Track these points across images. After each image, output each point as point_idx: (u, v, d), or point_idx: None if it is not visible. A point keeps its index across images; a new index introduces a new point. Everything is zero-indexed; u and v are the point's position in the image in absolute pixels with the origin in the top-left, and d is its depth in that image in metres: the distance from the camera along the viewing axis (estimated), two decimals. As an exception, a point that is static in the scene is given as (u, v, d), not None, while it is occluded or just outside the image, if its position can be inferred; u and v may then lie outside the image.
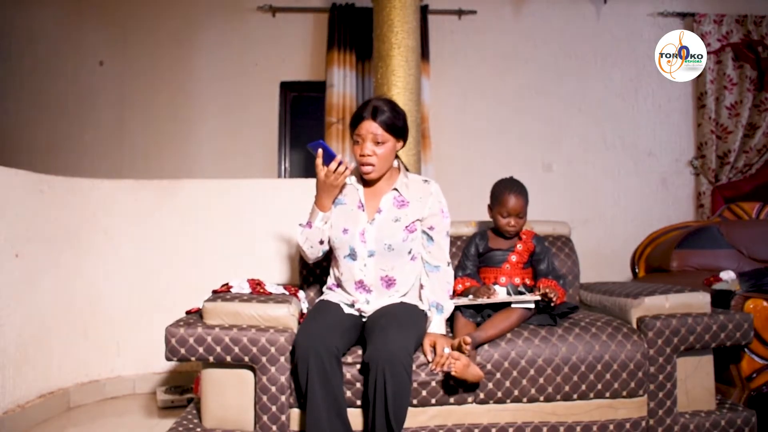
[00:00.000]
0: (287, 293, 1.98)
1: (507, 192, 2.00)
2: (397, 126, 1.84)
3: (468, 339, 1.66)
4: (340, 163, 1.79)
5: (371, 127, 1.80)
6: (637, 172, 4.27)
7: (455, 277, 2.00)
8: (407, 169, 2.01)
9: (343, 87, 3.97)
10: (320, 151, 1.78)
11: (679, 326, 1.82)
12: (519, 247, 2.03)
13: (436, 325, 1.80)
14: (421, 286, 1.91)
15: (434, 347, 1.72)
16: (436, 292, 1.86)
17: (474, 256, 2.09)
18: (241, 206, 2.75)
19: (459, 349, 1.68)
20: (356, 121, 1.84)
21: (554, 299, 1.86)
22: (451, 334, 1.84)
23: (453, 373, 1.63)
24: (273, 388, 1.69)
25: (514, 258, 2.03)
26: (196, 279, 2.62)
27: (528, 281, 2.02)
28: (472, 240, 2.13)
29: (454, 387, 1.73)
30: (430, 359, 1.71)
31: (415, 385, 1.69)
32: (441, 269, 1.88)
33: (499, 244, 2.07)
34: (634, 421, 1.81)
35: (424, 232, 1.89)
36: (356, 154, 1.85)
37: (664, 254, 3.05)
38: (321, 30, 4.16)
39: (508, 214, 2.00)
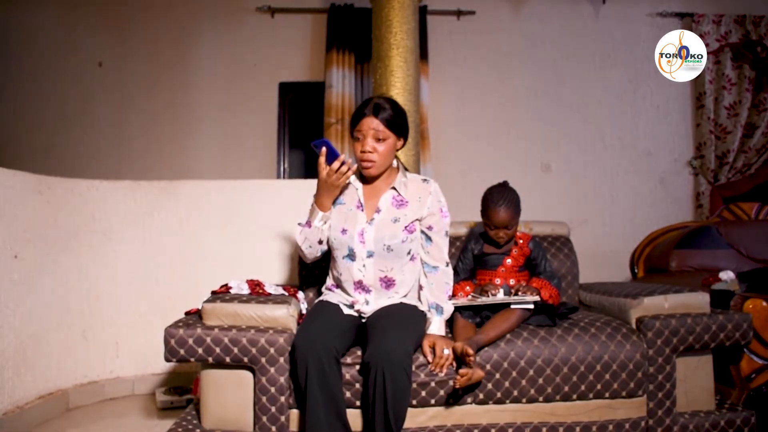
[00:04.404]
0: (286, 294, 1.98)
1: (494, 206, 1.96)
2: (398, 123, 1.84)
3: (471, 351, 1.65)
4: (343, 163, 1.77)
5: (372, 124, 1.80)
6: (635, 172, 4.28)
7: (454, 282, 1.99)
8: (406, 169, 2.00)
9: (342, 88, 3.98)
10: (324, 149, 1.77)
11: (678, 326, 1.82)
12: (514, 251, 2.03)
13: (436, 327, 1.80)
14: (421, 287, 1.90)
15: (434, 348, 1.72)
16: (434, 293, 1.86)
17: (470, 260, 2.08)
18: (240, 207, 2.75)
19: (462, 359, 1.67)
20: (357, 117, 1.84)
21: (531, 292, 1.87)
22: (450, 335, 1.84)
23: (456, 386, 1.65)
24: (272, 389, 1.69)
25: (509, 261, 2.02)
26: (195, 280, 2.63)
27: (524, 283, 2.01)
28: (467, 243, 2.11)
29: (460, 393, 1.74)
30: (429, 360, 1.71)
31: (414, 385, 1.69)
32: (439, 270, 1.88)
33: (493, 247, 2.06)
34: (633, 421, 1.81)
35: (422, 232, 1.89)
36: (356, 151, 1.84)
37: (663, 254, 3.06)
38: (320, 31, 4.16)
39: (496, 227, 1.98)
